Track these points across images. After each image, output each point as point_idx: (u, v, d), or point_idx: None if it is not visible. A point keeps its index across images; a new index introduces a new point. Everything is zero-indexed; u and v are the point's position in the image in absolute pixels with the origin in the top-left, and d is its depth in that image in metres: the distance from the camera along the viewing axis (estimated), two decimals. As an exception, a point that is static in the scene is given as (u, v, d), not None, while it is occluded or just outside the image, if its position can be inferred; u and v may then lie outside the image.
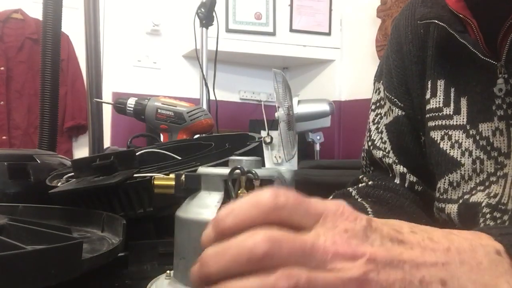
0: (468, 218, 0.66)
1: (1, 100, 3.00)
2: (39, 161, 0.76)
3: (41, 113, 1.09)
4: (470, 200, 0.66)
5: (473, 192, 0.67)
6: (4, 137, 3.00)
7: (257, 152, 0.71)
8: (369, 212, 0.72)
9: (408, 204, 0.75)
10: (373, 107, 0.83)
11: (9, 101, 3.03)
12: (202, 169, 0.39)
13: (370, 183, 0.81)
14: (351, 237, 0.32)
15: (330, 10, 3.26)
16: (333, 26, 3.27)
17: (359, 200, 0.76)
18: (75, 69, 3.13)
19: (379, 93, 0.83)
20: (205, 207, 0.38)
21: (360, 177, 0.83)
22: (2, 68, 3.00)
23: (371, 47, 3.04)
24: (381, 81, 0.81)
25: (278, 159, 2.86)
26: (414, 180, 0.76)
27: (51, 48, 1.09)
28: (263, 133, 2.90)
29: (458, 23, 0.66)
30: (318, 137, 2.81)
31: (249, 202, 0.32)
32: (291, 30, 3.21)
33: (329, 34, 3.26)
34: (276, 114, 2.74)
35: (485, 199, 0.65)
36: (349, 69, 3.24)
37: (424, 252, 0.33)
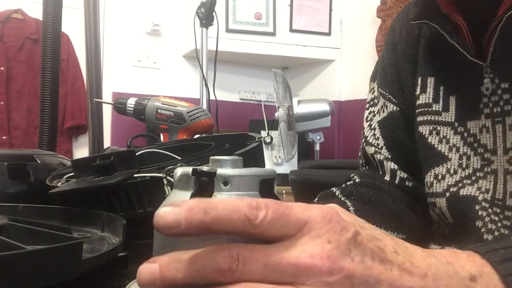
0: (459, 211, 0.68)
1: (1, 100, 3.01)
2: (39, 161, 0.76)
3: (41, 113, 1.09)
4: (460, 193, 0.68)
5: (460, 185, 0.68)
6: (4, 137, 3.00)
7: (257, 152, 0.71)
8: (351, 211, 0.73)
9: (392, 202, 0.77)
10: (367, 105, 0.86)
11: (9, 101, 3.03)
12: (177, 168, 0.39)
13: (357, 180, 0.82)
14: (333, 248, 0.31)
15: (330, 10, 3.27)
16: (333, 26, 3.27)
17: (342, 199, 0.78)
18: (75, 69, 3.13)
19: (373, 92, 0.85)
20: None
21: (352, 175, 0.85)
22: (2, 68, 3.00)
23: (371, 47, 3.04)
24: (376, 81, 0.84)
25: (278, 159, 2.86)
26: (405, 176, 0.78)
27: (51, 48, 1.09)
28: (263, 133, 2.90)
29: (449, 24, 0.68)
30: (318, 137, 2.81)
31: (233, 206, 0.31)
32: (291, 30, 3.21)
33: (329, 34, 3.27)
34: (276, 114, 2.74)
35: (479, 194, 0.66)
36: (349, 69, 3.24)
37: (402, 276, 0.33)
